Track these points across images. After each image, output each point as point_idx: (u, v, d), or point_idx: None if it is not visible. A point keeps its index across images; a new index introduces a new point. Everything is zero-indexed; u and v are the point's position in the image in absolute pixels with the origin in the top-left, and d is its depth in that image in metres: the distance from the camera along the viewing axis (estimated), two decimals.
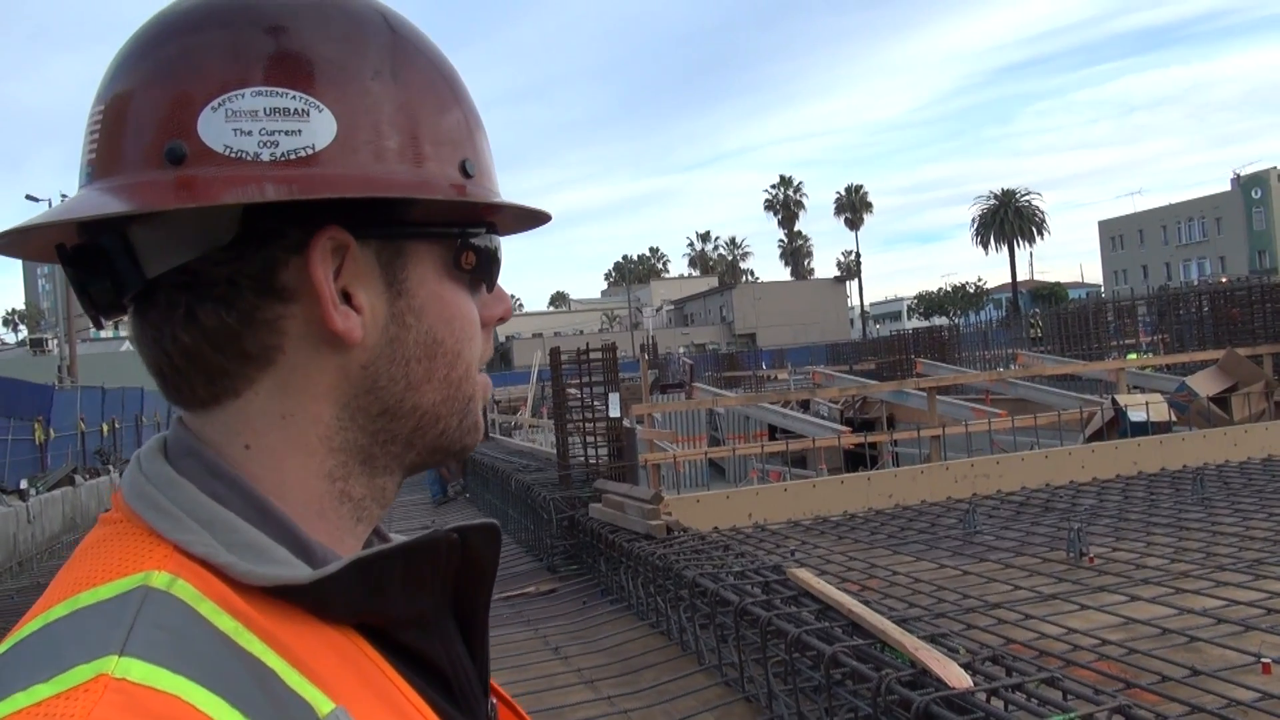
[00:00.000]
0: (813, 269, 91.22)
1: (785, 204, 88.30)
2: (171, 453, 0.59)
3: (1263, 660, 3.88)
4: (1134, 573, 5.54)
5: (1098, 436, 10.38)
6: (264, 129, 0.54)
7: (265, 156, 0.54)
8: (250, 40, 0.55)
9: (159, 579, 0.51)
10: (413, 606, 0.58)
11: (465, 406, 0.64)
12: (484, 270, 0.64)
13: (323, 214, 0.56)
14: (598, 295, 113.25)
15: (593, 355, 9.56)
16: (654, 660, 5.26)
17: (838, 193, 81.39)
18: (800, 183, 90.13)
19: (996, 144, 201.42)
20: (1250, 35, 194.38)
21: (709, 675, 4.89)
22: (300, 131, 0.55)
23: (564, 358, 9.98)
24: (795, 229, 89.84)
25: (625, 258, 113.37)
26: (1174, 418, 10.50)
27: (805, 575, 4.81)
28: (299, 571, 0.54)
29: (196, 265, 0.56)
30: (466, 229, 0.63)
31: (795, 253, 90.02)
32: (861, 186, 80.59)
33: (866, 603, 4.38)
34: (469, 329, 0.64)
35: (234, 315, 0.56)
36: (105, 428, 22.10)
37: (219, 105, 0.54)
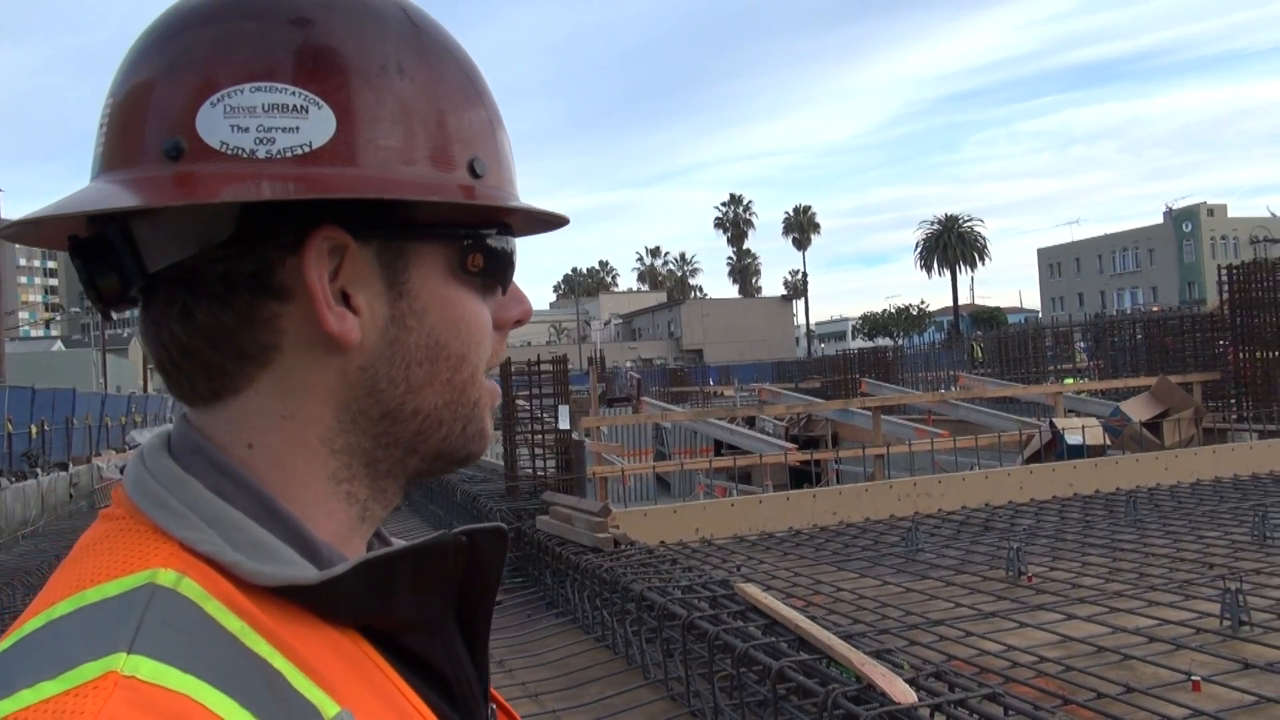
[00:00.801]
0: (760, 287, 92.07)
1: (735, 222, 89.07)
2: (176, 449, 0.58)
3: (1193, 678, 4.00)
4: (1070, 592, 5.67)
5: (1035, 458, 10.61)
6: (261, 125, 0.53)
7: (261, 154, 0.53)
8: (255, 35, 0.55)
9: (165, 577, 0.50)
10: (418, 610, 0.57)
11: (470, 412, 0.63)
12: (495, 272, 0.62)
13: (321, 213, 0.55)
14: (546, 307, 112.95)
15: (543, 367, 9.54)
16: (599, 674, 5.23)
17: (786, 213, 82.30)
18: (750, 202, 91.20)
19: (941, 170, 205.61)
20: (1182, 75, 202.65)
21: (654, 689, 4.88)
22: (298, 129, 0.53)
23: (514, 369, 9.93)
24: (744, 247, 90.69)
25: (574, 270, 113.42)
26: (1108, 441, 10.78)
27: (753, 590, 4.84)
28: (306, 572, 0.53)
29: (194, 262, 0.55)
30: (477, 229, 0.61)
31: (743, 271, 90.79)
32: (810, 207, 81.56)
33: (812, 618, 4.42)
34: (477, 332, 0.62)
35: (229, 314, 0.55)
36: (34, 429, 21.36)
37: (218, 101, 0.53)
